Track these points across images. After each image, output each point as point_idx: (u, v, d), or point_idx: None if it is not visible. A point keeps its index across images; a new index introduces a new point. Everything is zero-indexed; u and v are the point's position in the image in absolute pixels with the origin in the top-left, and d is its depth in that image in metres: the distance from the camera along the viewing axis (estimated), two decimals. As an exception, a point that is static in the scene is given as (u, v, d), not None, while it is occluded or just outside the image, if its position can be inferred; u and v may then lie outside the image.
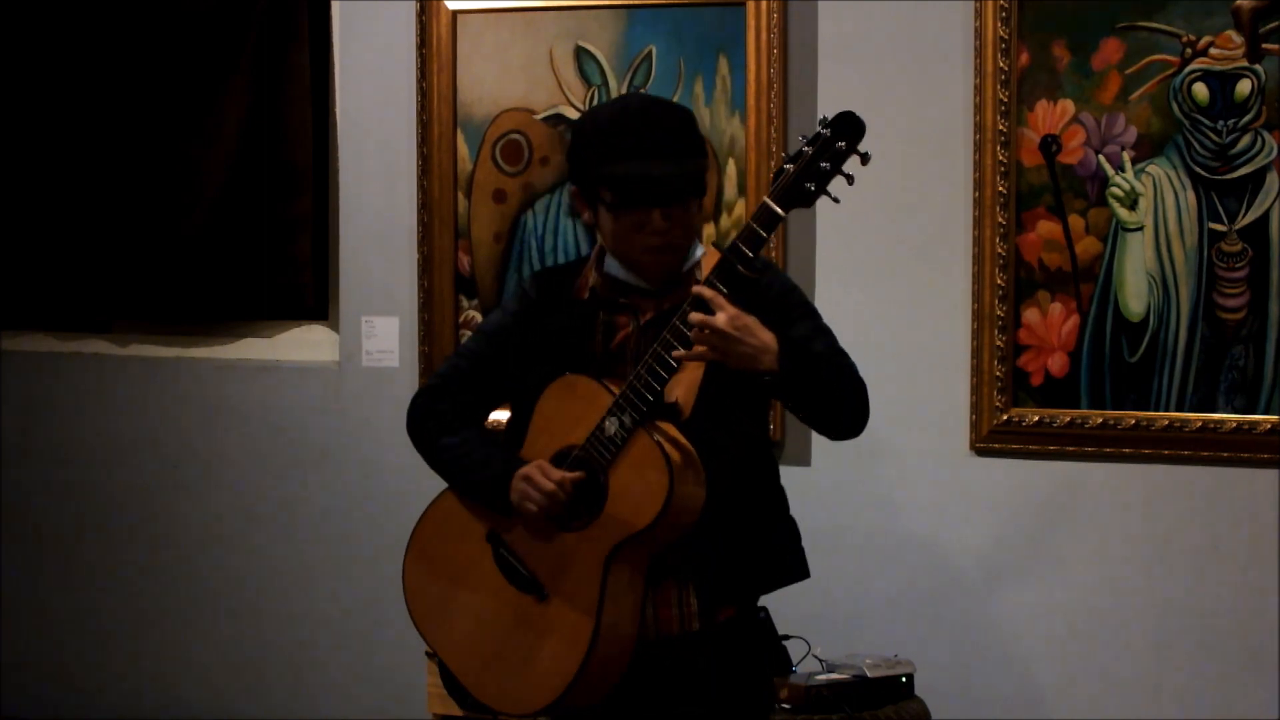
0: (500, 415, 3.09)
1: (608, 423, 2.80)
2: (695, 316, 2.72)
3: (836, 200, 2.74)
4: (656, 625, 2.89)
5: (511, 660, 2.90)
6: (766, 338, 2.75)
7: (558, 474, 2.84)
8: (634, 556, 2.83)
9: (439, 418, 3.04)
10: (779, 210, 2.73)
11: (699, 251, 2.96)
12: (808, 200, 2.73)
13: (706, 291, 2.73)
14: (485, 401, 3.07)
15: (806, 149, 2.73)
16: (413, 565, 3.07)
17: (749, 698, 3.01)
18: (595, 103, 4.30)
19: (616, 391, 2.80)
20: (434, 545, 3.04)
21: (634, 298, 2.94)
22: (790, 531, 3.01)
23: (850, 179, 2.73)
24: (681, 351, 2.74)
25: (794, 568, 3.00)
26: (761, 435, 3.03)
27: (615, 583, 2.82)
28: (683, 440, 2.80)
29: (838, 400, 2.87)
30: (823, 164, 2.71)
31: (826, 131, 2.72)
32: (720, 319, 2.71)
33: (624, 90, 4.27)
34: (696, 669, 2.92)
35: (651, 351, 2.77)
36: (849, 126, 2.71)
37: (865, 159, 2.73)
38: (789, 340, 2.79)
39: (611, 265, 2.96)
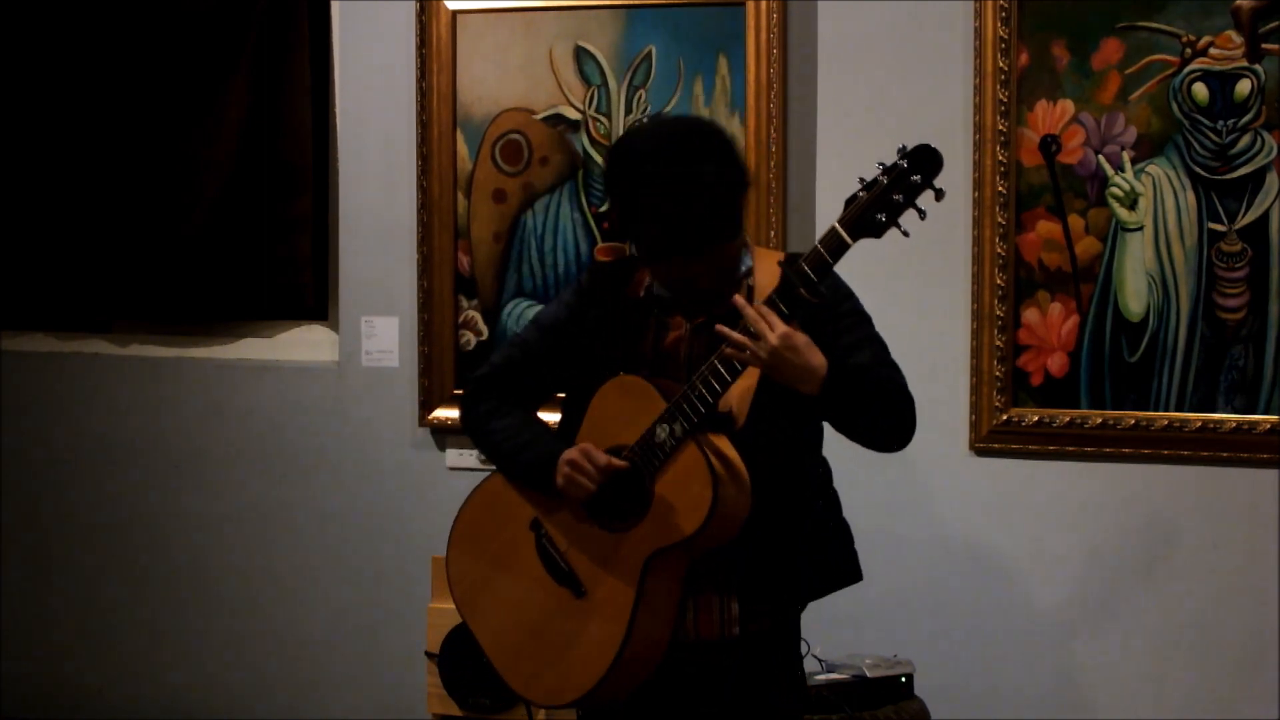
0: (550, 417, 3.09)
1: (659, 429, 2.79)
2: (749, 325, 2.70)
3: (906, 234, 2.71)
4: (696, 629, 2.90)
5: (544, 651, 2.92)
6: (816, 361, 2.72)
7: (604, 459, 2.82)
8: (672, 564, 2.83)
9: (491, 403, 3.03)
10: (848, 239, 2.69)
11: (748, 260, 2.92)
12: (878, 231, 2.69)
13: (762, 310, 2.71)
14: (538, 391, 3.06)
15: (881, 179, 2.68)
16: (456, 546, 3.07)
17: (783, 704, 3.01)
18: (595, 103, 4.30)
19: (671, 397, 2.79)
20: (478, 528, 3.04)
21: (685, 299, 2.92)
22: (842, 535, 3.01)
23: (923, 214, 2.69)
24: (733, 364, 2.72)
25: (844, 573, 3.00)
26: (814, 441, 3.00)
27: (652, 588, 2.82)
28: (731, 454, 2.79)
29: (876, 420, 2.86)
30: (896, 196, 2.67)
31: (903, 163, 2.67)
32: (771, 338, 2.69)
33: (624, 90, 4.27)
34: (732, 674, 2.92)
35: (708, 364, 2.75)
36: (926, 160, 2.67)
37: (940, 195, 2.68)
38: (837, 367, 2.75)
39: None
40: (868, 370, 2.85)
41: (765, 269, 2.89)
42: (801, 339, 2.71)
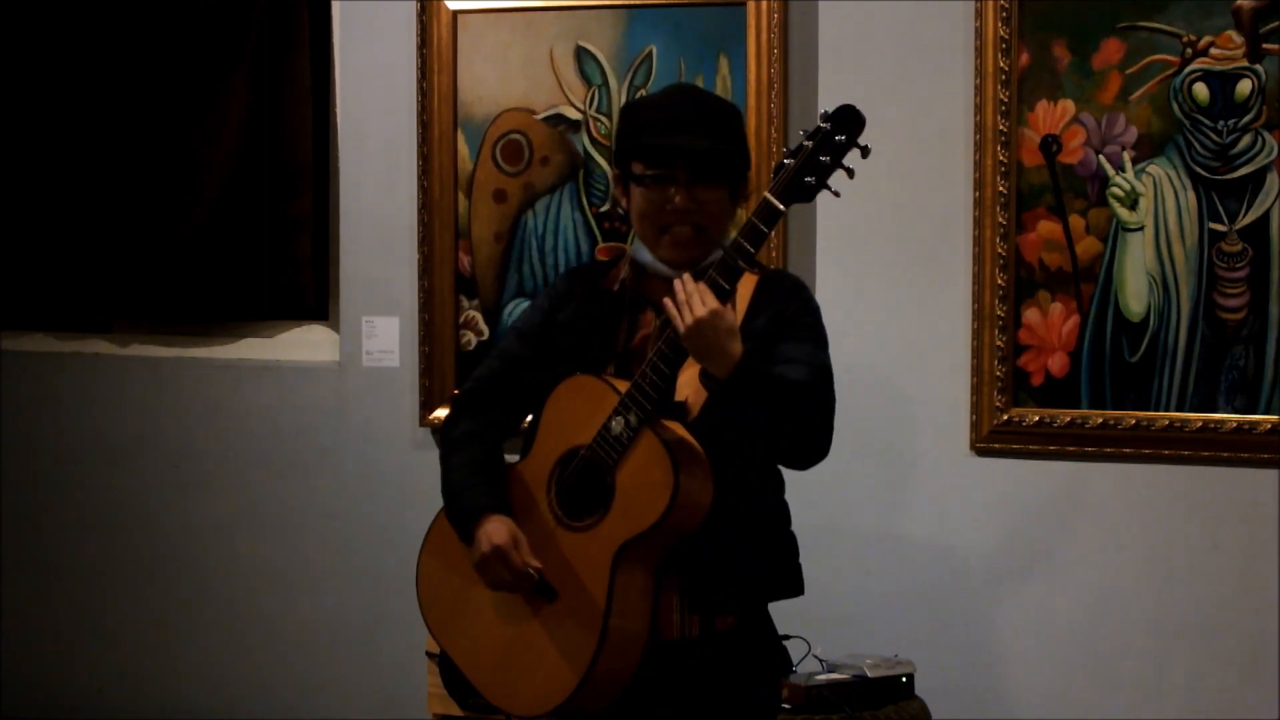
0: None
1: (614, 422, 2.79)
2: (677, 295, 2.72)
3: (837, 194, 2.73)
4: (656, 629, 2.88)
5: (521, 661, 2.90)
6: (733, 348, 2.72)
7: (518, 563, 2.83)
8: (642, 555, 2.82)
9: (463, 427, 3.04)
10: (779, 205, 2.72)
11: (719, 255, 2.92)
12: (808, 195, 2.72)
13: (701, 287, 2.72)
14: (523, 399, 3.05)
15: (806, 143, 2.72)
16: (426, 565, 3.07)
17: (751, 702, 3.00)
18: (596, 103, 4.30)
19: (623, 390, 2.80)
20: (447, 546, 3.02)
21: (659, 292, 2.89)
22: (790, 547, 3.00)
23: (851, 172, 2.72)
24: (678, 345, 2.72)
25: (790, 583, 2.98)
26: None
27: (623, 582, 2.81)
28: (688, 438, 2.79)
29: (769, 431, 2.80)
30: (822, 158, 2.70)
31: (826, 125, 2.71)
32: (700, 308, 2.69)
33: (624, 90, 4.28)
34: (695, 673, 2.91)
35: (655, 349, 2.77)
36: (849, 120, 2.71)
37: (865, 152, 2.72)
38: (752, 366, 2.74)
39: (640, 250, 2.96)
40: (784, 380, 2.80)
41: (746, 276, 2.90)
42: (728, 323, 2.73)
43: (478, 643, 2.97)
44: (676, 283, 2.76)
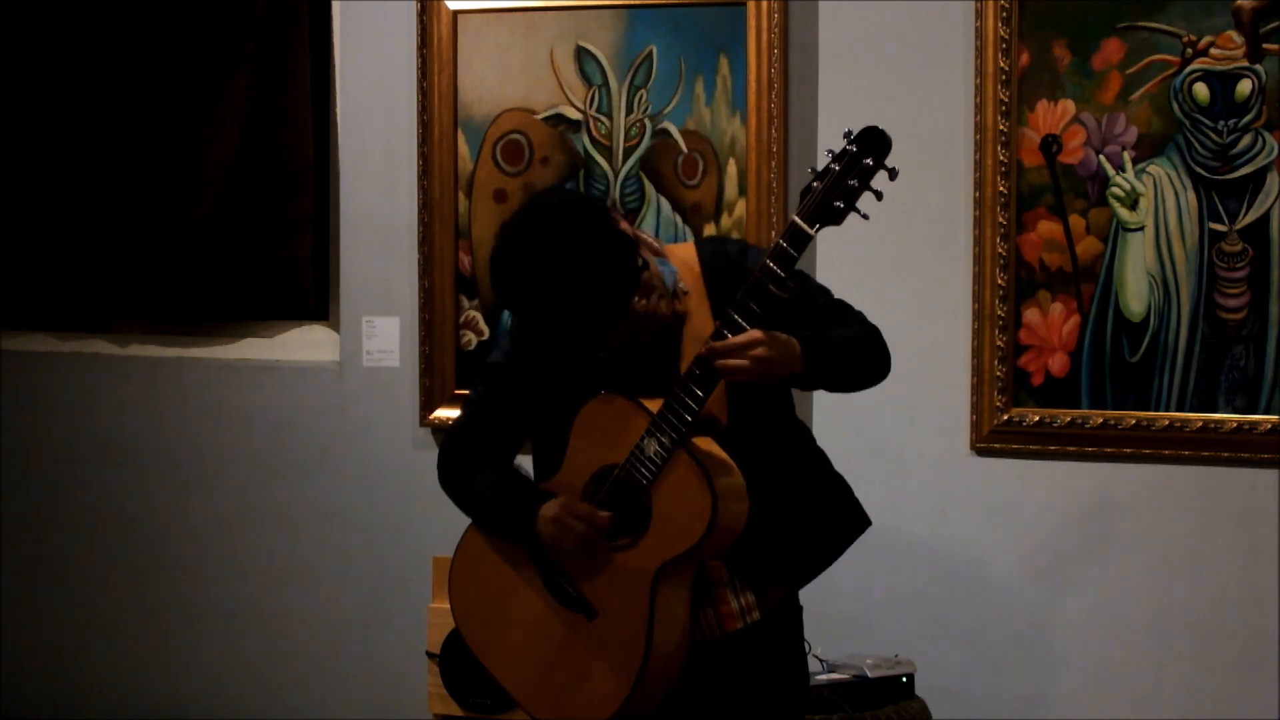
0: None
1: (647, 442, 2.79)
2: (733, 346, 2.72)
3: (866, 217, 2.71)
4: (719, 624, 2.91)
5: (564, 678, 2.91)
6: (791, 345, 2.75)
7: (584, 509, 2.84)
8: (680, 572, 2.84)
9: (462, 462, 3.05)
10: (808, 229, 2.70)
11: (670, 268, 2.90)
12: (837, 218, 2.70)
13: (739, 340, 2.71)
14: (510, 437, 3.07)
15: (834, 166, 2.69)
16: (459, 581, 3.07)
17: (799, 679, 3.06)
18: (596, 103, 4.30)
19: (653, 410, 2.79)
20: (480, 562, 3.03)
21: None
22: (841, 486, 3.04)
23: (879, 195, 2.70)
24: (711, 369, 2.73)
25: (857, 520, 3.04)
26: (789, 417, 3.03)
27: (664, 601, 2.83)
28: (722, 455, 2.80)
29: (860, 374, 2.92)
30: (850, 181, 2.68)
31: (853, 148, 2.68)
32: (759, 352, 2.70)
33: (624, 90, 4.27)
34: (759, 658, 2.94)
35: (688, 372, 2.76)
36: (875, 142, 2.68)
37: (893, 174, 2.69)
38: (807, 339, 2.79)
39: None
40: (842, 340, 2.89)
41: (682, 254, 2.92)
42: (770, 335, 2.73)
43: (519, 659, 2.98)
44: (705, 353, 2.74)
